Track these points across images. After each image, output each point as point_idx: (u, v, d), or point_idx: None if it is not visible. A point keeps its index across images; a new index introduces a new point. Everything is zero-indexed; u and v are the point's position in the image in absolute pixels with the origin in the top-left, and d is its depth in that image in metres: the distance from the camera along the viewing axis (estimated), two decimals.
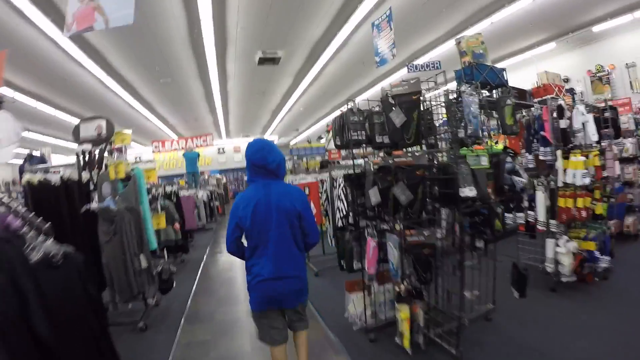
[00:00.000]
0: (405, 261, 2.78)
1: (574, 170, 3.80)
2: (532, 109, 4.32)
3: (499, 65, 3.49)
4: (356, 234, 3.26)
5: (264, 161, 2.27)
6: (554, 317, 3.48)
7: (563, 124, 3.91)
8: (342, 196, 3.36)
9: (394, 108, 2.91)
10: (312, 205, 5.37)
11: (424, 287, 3.02)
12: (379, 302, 3.42)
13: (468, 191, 2.45)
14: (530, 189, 4.24)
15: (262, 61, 9.06)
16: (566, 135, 3.93)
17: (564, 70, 9.57)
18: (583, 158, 3.80)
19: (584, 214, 3.94)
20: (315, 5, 7.20)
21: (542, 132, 4.11)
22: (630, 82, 9.03)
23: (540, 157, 4.20)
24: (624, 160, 5.43)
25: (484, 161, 2.72)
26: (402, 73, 10.38)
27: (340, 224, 3.42)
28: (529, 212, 4.34)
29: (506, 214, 3.28)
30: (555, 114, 3.98)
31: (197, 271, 6.49)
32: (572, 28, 9.47)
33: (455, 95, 2.84)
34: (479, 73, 3.06)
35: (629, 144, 5.49)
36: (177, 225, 6.43)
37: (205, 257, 7.69)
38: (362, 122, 3.09)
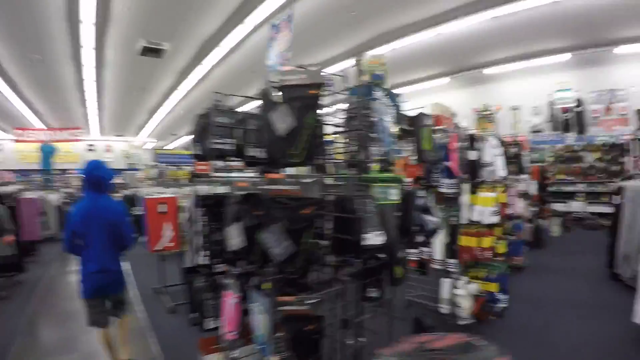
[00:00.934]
0: (278, 333, 1.85)
1: (483, 208, 3.46)
2: (436, 136, 3.94)
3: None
4: (211, 281, 2.30)
5: (97, 179, 2.90)
6: None
7: (473, 155, 3.55)
8: (206, 219, 2.43)
9: (278, 106, 1.94)
10: (169, 225, 4.33)
11: None
12: None
13: (374, 237, 1.70)
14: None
15: (145, 51, 8.07)
16: (475, 168, 3.57)
17: (454, 105, 10.04)
18: (493, 194, 3.48)
19: (488, 254, 3.64)
20: None
21: (446, 163, 3.72)
22: (513, 124, 9.81)
23: (442, 190, 3.77)
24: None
25: (394, 195, 2.01)
26: None
27: (201, 254, 2.47)
28: (423, 248, 3.86)
29: None
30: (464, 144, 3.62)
31: (31, 299, 5.16)
32: (466, 67, 10.10)
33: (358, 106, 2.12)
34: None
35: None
36: (8, 238, 5.15)
37: (47, 277, 6.22)
38: (230, 126, 2.16)
